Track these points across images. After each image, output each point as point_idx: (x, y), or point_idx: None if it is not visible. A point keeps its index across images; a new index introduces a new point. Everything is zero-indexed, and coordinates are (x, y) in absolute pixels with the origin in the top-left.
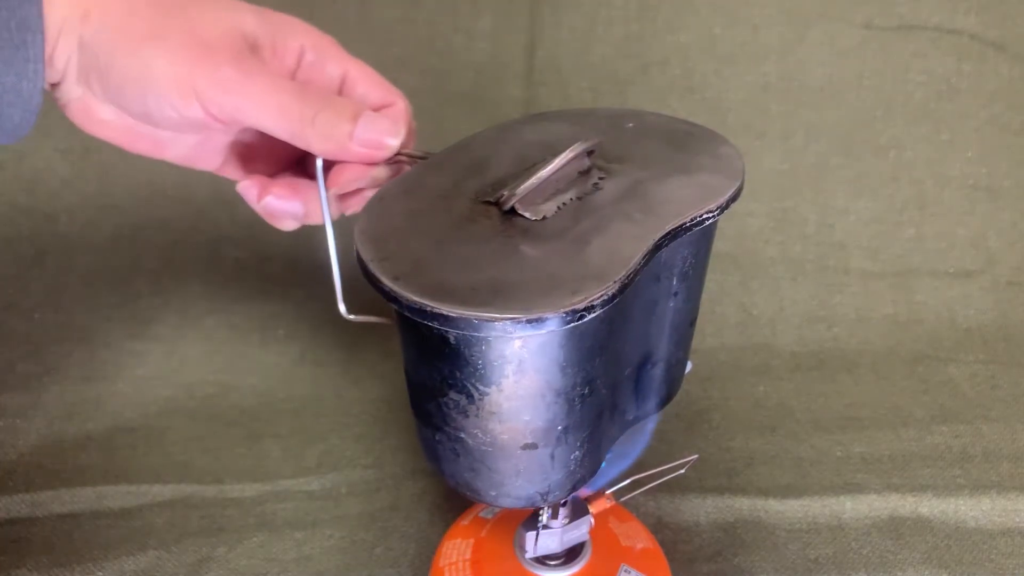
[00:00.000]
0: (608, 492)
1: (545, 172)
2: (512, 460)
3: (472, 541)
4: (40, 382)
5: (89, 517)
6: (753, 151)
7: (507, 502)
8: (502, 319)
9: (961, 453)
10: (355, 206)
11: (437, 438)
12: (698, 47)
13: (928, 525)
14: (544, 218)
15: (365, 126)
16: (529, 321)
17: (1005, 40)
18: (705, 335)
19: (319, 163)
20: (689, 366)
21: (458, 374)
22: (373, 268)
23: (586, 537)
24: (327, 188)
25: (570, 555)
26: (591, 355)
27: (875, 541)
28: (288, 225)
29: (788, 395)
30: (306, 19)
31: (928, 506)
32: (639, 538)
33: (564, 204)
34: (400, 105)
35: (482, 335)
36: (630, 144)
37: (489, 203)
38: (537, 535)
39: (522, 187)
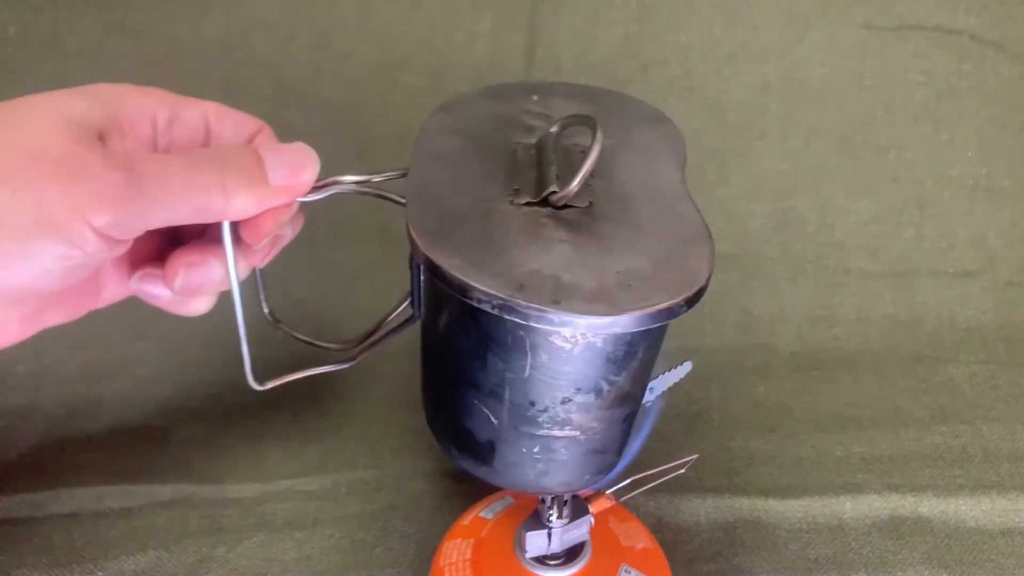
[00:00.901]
0: (608, 492)
1: (589, 165)
2: (613, 437)
3: (472, 541)
4: (40, 382)
5: (89, 517)
6: (753, 151)
7: (595, 480)
8: (674, 304)
9: (961, 453)
10: (266, 256)
11: (536, 450)
12: (698, 47)
13: (928, 525)
14: (590, 204)
15: (275, 163)
16: (696, 294)
17: (1005, 40)
18: (705, 335)
19: (225, 225)
20: (689, 366)
21: (592, 374)
22: (522, 299)
23: (586, 537)
24: (252, 244)
25: (570, 555)
26: None
27: (875, 541)
28: (201, 305)
29: (788, 395)
30: (306, 19)
31: (928, 506)
32: (639, 538)
33: (588, 186)
34: (268, 130)
35: (645, 328)
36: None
37: (531, 204)
38: (550, 533)
39: (573, 183)
